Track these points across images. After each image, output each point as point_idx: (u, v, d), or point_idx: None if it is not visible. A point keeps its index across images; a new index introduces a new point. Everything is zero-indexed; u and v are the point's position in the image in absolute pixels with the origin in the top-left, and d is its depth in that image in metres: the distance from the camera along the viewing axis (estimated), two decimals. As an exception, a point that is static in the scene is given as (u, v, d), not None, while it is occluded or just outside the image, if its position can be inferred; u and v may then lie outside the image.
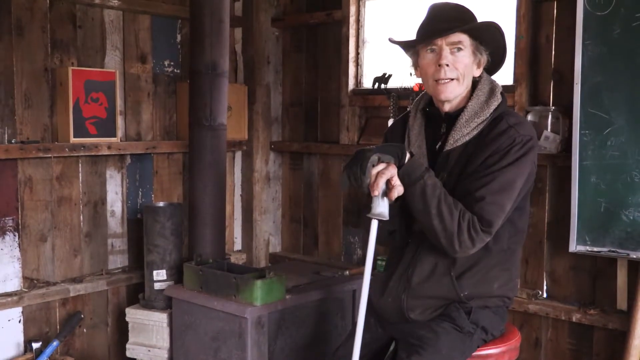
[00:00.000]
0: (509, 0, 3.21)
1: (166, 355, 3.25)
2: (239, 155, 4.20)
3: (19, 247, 3.21)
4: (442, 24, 2.08)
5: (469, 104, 2.13)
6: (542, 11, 3.14)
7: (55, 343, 3.22)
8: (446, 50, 2.08)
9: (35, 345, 3.19)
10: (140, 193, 3.69)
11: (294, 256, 4.18)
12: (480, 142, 2.08)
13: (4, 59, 3.12)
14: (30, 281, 3.26)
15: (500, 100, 2.14)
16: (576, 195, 2.89)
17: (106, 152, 3.41)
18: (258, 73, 4.09)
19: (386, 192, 1.98)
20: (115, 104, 3.43)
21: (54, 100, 3.29)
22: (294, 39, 4.18)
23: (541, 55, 3.16)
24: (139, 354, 3.32)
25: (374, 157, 1.98)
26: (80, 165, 3.42)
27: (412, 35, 2.17)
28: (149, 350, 3.28)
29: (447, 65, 2.08)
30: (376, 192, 1.96)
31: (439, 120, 2.21)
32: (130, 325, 3.35)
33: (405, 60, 2.24)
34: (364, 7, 3.86)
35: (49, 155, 3.23)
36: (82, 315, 3.41)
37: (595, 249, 2.88)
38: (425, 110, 2.26)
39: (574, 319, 3.06)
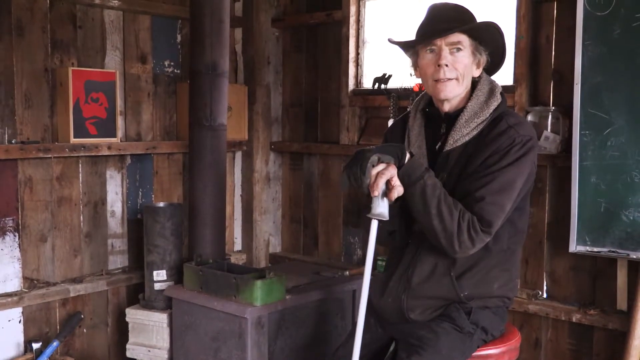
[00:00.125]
0: (509, 0, 3.21)
1: (166, 356, 3.25)
2: (239, 155, 4.20)
3: (19, 248, 3.21)
4: (441, 24, 2.08)
5: (469, 104, 2.13)
6: (542, 11, 3.14)
7: (55, 343, 3.22)
8: (445, 51, 2.08)
9: (36, 346, 3.19)
10: (140, 193, 3.69)
11: (294, 256, 4.17)
12: (480, 142, 2.08)
13: (4, 59, 3.12)
14: (31, 281, 3.26)
15: (500, 101, 2.14)
16: (576, 196, 2.89)
17: (106, 153, 3.41)
18: (258, 73, 4.09)
19: (386, 193, 1.98)
20: (116, 104, 3.43)
21: (54, 101, 3.29)
22: (294, 39, 4.18)
23: (541, 56, 3.16)
24: (139, 354, 3.31)
25: (374, 158, 1.97)
26: (80, 165, 3.42)
27: (411, 36, 2.17)
28: (149, 351, 3.28)
29: (447, 65, 2.08)
30: (376, 193, 1.96)
31: (438, 121, 2.21)
32: (130, 326, 3.35)
33: (405, 60, 2.24)
34: (364, 7, 3.86)
35: (49, 156, 3.23)
36: (82, 316, 3.41)
37: (595, 249, 2.88)
38: (425, 111, 2.26)
39: (574, 319, 3.06)
